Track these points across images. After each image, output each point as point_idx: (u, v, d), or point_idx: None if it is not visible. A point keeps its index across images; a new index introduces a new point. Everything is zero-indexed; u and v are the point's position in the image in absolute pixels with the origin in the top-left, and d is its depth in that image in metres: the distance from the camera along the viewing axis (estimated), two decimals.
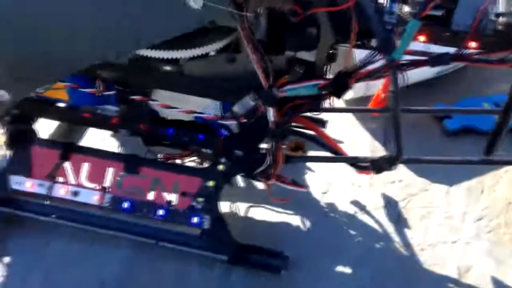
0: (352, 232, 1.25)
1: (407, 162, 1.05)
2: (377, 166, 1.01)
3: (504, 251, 1.18)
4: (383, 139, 1.10)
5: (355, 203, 1.32)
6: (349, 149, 1.43)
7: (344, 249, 1.20)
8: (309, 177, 1.38)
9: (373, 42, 0.91)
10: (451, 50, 0.90)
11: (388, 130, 1.00)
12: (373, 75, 0.90)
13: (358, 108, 1.54)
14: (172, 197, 1.15)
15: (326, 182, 1.36)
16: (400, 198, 1.32)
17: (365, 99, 1.55)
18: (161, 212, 1.14)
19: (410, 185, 1.35)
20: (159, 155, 1.23)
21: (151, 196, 1.16)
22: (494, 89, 1.59)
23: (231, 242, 1.14)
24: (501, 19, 0.82)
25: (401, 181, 1.36)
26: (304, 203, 1.32)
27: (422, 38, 0.90)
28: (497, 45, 0.85)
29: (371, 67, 0.90)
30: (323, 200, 1.33)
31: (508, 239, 1.21)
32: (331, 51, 0.96)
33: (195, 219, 1.13)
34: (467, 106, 1.54)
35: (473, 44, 0.87)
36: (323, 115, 1.16)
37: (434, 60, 0.87)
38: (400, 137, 0.94)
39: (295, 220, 1.28)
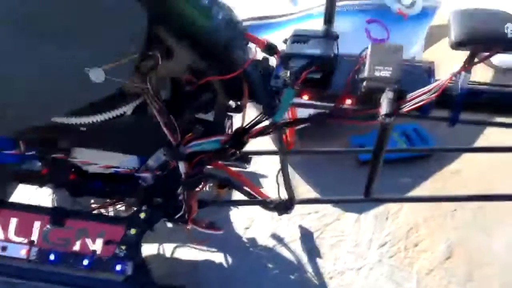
0: (270, 265, 1.36)
1: (301, 203, 1.17)
2: (278, 209, 1.12)
3: (402, 275, 1.31)
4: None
5: (275, 236, 1.43)
6: (273, 184, 1.55)
7: (261, 284, 1.31)
8: (233, 213, 1.49)
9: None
10: None
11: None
12: (264, 133, 1.01)
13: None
14: (97, 246, 1.22)
15: (248, 217, 1.47)
16: (315, 229, 1.45)
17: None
18: (86, 261, 1.21)
19: (325, 215, 1.47)
20: (85, 205, 1.31)
21: (77, 246, 1.22)
22: (402, 120, 1.75)
23: (153, 286, 1.22)
24: (364, 83, 0.95)
25: (317, 212, 1.48)
26: (227, 240, 1.42)
27: (305, 97, 1.02)
28: (367, 105, 0.98)
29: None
30: (246, 235, 1.44)
31: (408, 262, 1.34)
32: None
33: (118, 267, 1.20)
34: None
35: (348, 101, 1.00)
36: None
37: (313, 118, 1.00)
38: (289, 182, 1.06)
39: (218, 257, 1.38)
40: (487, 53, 0.90)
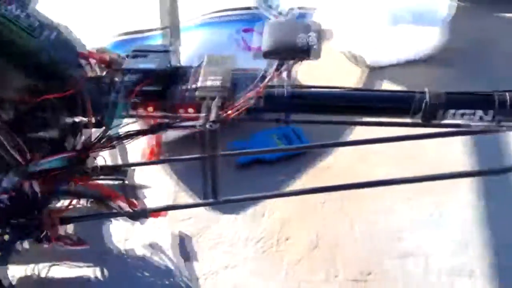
0: (147, 273, 1.39)
1: (155, 211, 1.21)
2: (134, 218, 1.16)
3: (273, 268, 1.38)
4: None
5: (152, 245, 1.47)
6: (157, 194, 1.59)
7: None
8: (110, 226, 1.50)
9: None
10: None
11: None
12: (105, 148, 1.05)
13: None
14: None
15: (126, 228, 1.50)
16: (193, 234, 1.49)
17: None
18: None
19: (203, 219, 1.52)
20: None
21: None
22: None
23: None
24: (197, 92, 1.01)
25: (196, 216, 1.53)
26: (106, 253, 1.44)
27: (150, 109, 1.07)
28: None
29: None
30: (124, 246, 1.46)
31: (279, 255, 1.42)
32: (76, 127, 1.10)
33: None
34: (259, 140, 1.78)
35: (190, 110, 1.05)
36: None
37: (154, 128, 1.04)
38: (137, 191, 1.11)
39: (94, 272, 1.39)
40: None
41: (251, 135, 1.75)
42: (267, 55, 0.97)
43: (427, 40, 2.01)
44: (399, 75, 2.02)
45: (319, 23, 1.02)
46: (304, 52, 0.96)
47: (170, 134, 1.76)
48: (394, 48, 2.00)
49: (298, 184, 1.61)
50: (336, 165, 1.67)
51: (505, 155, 1.70)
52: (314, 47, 0.97)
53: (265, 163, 1.68)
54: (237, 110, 0.97)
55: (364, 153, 1.66)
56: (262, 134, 1.76)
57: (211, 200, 1.15)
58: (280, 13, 1.96)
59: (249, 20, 1.90)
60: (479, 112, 1.02)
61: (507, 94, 1.01)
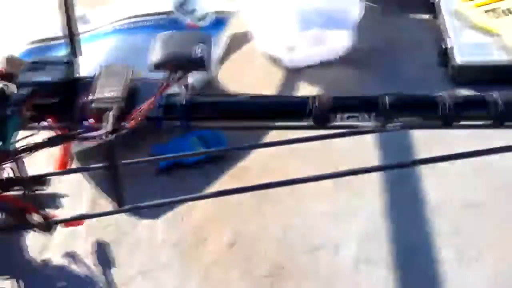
0: (65, 283, 1.40)
1: (61, 222, 1.22)
2: (41, 230, 1.17)
3: (190, 270, 1.43)
4: None
5: (72, 254, 1.47)
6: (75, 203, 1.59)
7: None
8: (27, 237, 1.49)
9: None
10: None
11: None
12: (8, 161, 1.05)
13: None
14: None
15: (44, 239, 1.47)
16: (112, 240, 1.51)
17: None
18: None
19: (122, 225, 1.55)
20: None
21: None
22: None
23: None
24: (93, 104, 1.03)
25: (115, 223, 1.55)
26: (24, 265, 1.43)
27: (49, 120, 1.08)
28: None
29: None
30: (40, 257, 1.46)
31: (196, 258, 1.46)
32: None
33: None
34: (178, 144, 1.81)
35: (91, 121, 1.07)
36: None
37: (53, 141, 1.06)
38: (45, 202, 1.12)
39: (12, 285, 1.38)
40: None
41: (170, 139, 1.78)
42: (157, 67, 1.01)
43: (339, 42, 2.11)
44: (315, 76, 2.11)
45: (209, 35, 1.08)
46: (195, 64, 1.01)
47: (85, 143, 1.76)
48: (308, 50, 2.08)
49: (217, 186, 1.66)
50: (254, 166, 1.73)
51: (412, 149, 1.83)
52: (205, 58, 1.01)
53: (184, 167, 1.72)
54: (134, 120, 1.00)
55: (282, 153, 1.74)
56: (181, 138, 1.79)
57: (116, 209, 1.18)
58: (197, 18, 2.00)
59: (164, 25, 1.92)
60: (365, 114, 1.11)
61: (387, 97, 1.11)
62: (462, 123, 1.16)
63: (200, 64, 1.02)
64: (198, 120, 1.11)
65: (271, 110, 1.15)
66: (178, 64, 1.00)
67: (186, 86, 1.06)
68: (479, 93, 1.16)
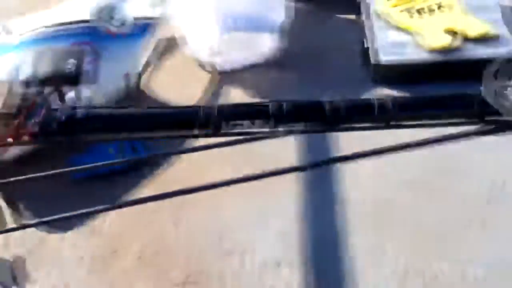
0: None
1: None
2: None
3: (100, 283, 1.43)
4: None
5: None
6: None
7: None
8: None
9: None
10: None
11: None
12: None
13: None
14: None
15: None
16: (23, 255, 1.48)
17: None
18: None
19: (32, 240, 1.52)
20: None
21: None
22: None
23: None
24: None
25: (26, 238, 1.52)
26: None
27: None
28: None
29: None
30: None
31: (105, 270, 1.45)
32: None
33: None
34: (95, 154, 1.78)
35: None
36: None
37: None
38: None
39: None
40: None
41: (87, 149, 1.75)
42: (27, 86, 0.99)
43: (265, 45, 2.12)
44: (242, 79, 2.12)
45: (83, 50, 1.06)
46: (67, 79, 0.99)
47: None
48: (233, 54, 2.09)
49: (134, 195, 1.64)
50: (172, 173, 1.72)
51: (329, 150, 1.84)
52: (81, 73, 1.00)
53: (100, 177, 1.69)
54: (21, 136, 0.98)
55: (202, 158, 1.73)
56: (97, 147, 1.77)
57: (12, 226, 1.15)
58: (117, 25, 1.98)
59: (84, 34, 1.89)
60: (259, 121, 1.11)
61: (284, 104, 1.11)
62: (347, 125, 1.18)
63: (71, 80, 1.00)
64: (90, 133, 1.09)
65: (161, 121, 1.14)
66: (48, 80, 0.98)
67: (63, 101, 1.04)
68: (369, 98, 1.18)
